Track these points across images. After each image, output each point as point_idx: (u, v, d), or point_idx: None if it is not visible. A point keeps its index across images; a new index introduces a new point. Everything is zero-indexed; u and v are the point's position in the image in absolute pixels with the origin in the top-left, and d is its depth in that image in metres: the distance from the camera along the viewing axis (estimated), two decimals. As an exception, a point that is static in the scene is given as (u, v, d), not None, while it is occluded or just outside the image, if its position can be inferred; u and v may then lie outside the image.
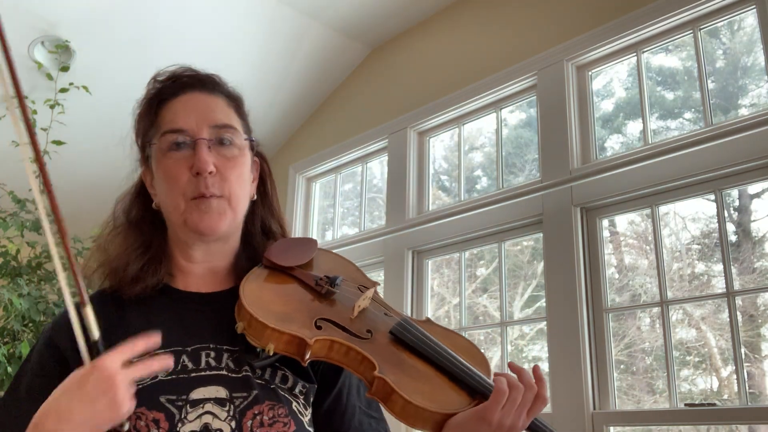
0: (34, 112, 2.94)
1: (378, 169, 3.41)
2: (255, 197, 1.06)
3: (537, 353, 2.69)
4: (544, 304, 2.37)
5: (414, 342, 0.92)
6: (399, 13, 3.16)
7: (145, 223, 1.03)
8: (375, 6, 3.10)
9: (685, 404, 2.00)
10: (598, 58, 2.50)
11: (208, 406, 0.83)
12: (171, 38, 3.00)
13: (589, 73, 2.54)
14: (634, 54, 2.42)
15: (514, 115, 2.89)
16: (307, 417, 0.86)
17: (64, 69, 2.94)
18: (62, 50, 2.93)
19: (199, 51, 3.03)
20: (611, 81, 2.58)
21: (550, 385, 2.22)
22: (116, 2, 2.82)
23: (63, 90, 2.93)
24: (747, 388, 1.91)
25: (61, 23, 2.86)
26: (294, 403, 0.85)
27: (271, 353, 0.85)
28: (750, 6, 2.14)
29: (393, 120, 3.15)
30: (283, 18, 3.09)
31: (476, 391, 0.85)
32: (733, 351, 1.94)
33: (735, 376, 1.95)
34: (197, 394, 0.85)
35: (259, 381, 0.87)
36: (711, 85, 2.23)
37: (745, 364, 1.94)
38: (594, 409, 2.13)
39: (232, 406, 0.83)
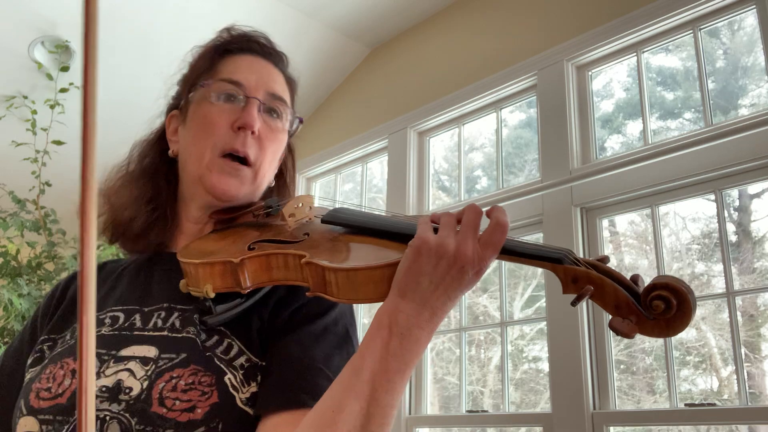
0: (34, 112, 2.95)
1: (378, 169, 3.41)
2: (273, 184, 1.02)
3: (537, 353, 2.69)
4: (544, 304, 2.37)
5: (342, 219, 0.83)
6: (399, 13, 3.16)
7: (158, 174, 0.97)
8: (375, 6, 3.10)
9: (685, 404, 2.00)
10: (598, 58, 2.50)
11: (131, 364, 0.78)
12: (171, 38, 2.99)
13: (589, 73, 2.54)
14: (634, 54, 2.42)
15: (514, 115, 2.89)
16: (243, 394, 0.77)
17: (64, 69, 2.94)
18: (62, 50, 2.94)
19: (199, 51, 3.02)
20: (611, 81, 2.58)
21: (550, 385, 2.23)
22: (116, 2, 2.82)
23: (63, 90, 2.93)
24: (747, 388, 1.91)
25: (61, 23, 2.86)
26: (228, 375, 0.77)
27: (211, 294, 0.79)
28: (750, 6, 2.14)
29: (393, 120, 3.15)
30: (282, 17, 3.09)
31: (409, 235, 0.72)
32: (733, 351, 1.94)
33: (735, 376, 1.94)
34: (128, 351, 0.80)
35: (198, 345, 0.80)
36: (711, 85, 2.23)
37: (745, 364, 1.94)
38: (594, 409, 2.13)
39: (154, 366, 0.77)
